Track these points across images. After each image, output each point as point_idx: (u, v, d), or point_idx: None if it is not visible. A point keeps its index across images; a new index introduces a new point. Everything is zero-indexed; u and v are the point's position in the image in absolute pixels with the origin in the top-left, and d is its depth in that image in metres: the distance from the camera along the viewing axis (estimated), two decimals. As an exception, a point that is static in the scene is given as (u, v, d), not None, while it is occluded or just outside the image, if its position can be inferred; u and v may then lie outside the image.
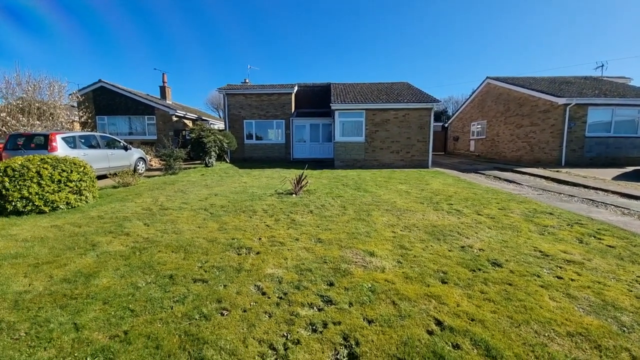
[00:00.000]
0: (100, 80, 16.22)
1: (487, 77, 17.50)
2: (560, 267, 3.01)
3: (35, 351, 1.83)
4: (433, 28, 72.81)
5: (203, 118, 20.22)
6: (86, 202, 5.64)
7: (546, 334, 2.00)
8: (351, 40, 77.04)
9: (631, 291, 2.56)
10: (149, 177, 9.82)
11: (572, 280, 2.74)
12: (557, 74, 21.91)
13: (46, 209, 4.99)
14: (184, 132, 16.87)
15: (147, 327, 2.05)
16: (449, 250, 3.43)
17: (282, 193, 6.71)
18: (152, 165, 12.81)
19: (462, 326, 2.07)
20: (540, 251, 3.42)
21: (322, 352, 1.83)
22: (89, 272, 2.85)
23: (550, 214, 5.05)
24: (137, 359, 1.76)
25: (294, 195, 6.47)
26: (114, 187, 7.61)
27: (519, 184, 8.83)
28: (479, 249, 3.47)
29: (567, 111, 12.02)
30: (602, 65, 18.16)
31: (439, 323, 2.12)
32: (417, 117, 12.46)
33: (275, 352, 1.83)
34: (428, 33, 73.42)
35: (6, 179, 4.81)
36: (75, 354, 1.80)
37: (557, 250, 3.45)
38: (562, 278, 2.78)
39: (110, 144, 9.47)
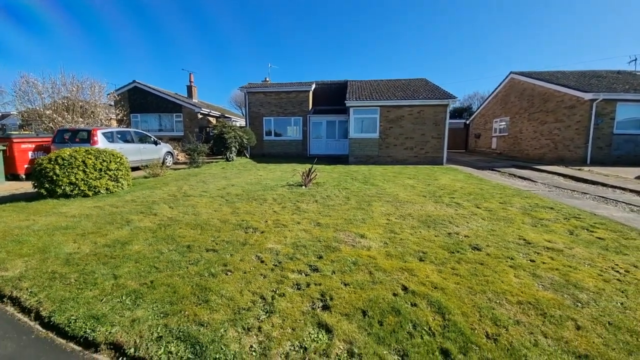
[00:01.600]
0: (134, 81, 17.62)
1: (511, 72, 16.91)
2: (538, 253, 3.21)
3: (82, 291, 2.42)
4: (457, 23, 70.16)
5: (226, 115, 21.24)
6: (122, 188, 6.45)
7: (497, 301, 2.30)
8: (372, 38, 76.15)
9: (601, 276, 2.74)
10: (175, 169, 10.72)
11: (543, 263, 2.96)
12: (590, 67, 20.64)
13: (90, 193, 5.82)
14: (207, 128, 17.89)
15: (168, 279, 2.58)
16: (435, 236, 3.72)
17: (293, 185, 7.19)
18: (178, 159, 13.83)
19: (424, 291, 2.41)
20: (524, 239, 3.61)
21: (302, 303, 2.26)
22: (125, 240, 3.48)
23: (551, 208, 5.11)
24: (160, 298, 2.28)
25: (303, 187, 6.92)
26: (145, 177, 8.49)
27: (534, 181, 8.69)
28: (465, 236, 3.73)
29: (593, 107, 11.48)
30: (636, 59, 16.86)
31: (405, 288, 2.47)
32: (432, 113, 12.45)
33: (264, 301, 2.29)
34: (452, 28, 70.84)
35: (57, 167, 5.67)
36: (114, 294, 2.37)
37: (541, 239, 3.62)
38: (534, 261, 3.00)
39: (143, 139, 10.45)
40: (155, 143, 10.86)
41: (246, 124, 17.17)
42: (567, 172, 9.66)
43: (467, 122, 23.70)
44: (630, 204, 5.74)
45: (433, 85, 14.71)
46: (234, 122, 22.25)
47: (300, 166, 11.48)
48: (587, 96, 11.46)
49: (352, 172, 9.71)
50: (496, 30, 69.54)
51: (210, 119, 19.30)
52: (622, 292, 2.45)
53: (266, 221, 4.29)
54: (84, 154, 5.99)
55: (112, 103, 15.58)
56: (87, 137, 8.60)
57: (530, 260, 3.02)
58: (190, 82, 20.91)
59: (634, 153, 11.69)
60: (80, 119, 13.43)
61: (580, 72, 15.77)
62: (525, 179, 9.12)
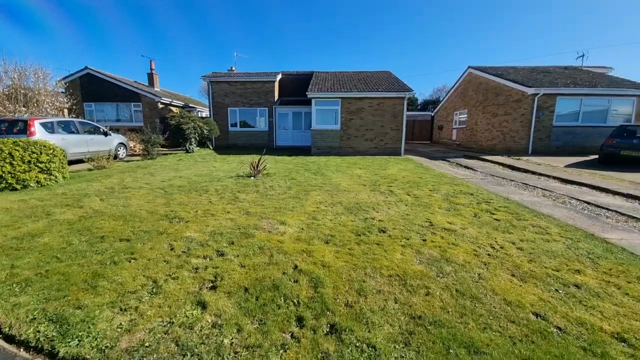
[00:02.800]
0: (86, 67, 16.52)
1: (469, 67, 17.69)
2: (433, 233, 3.58)
3: (-25, 282, 2.42)
4: (431, 20, 71.51)
5: (190, 105, 20.56)
6: (56, 181, 6.20)
7: (372, 275, 2.58)
8: (347, 31, 75.86)
9: (475, 251, 3.13)
10: (128, 161, 10.36)
11: (432, 242, 3.31)
12: (549, 62, 21.94)
13: (18, 187, 5.56)
14: (167, 119, 17.27)
15: (65, 268, 2.63)
16: (352, 221, 4.00)
17: (242, 176, 7.25)
18: (135, 151, 13.33)
19: (311, 270, 2.65)
20: (430, 222, 3.98)
21: (191, 284, 2.42)
22: (36, 233, 3.44)
23: (471, 194, 5.59)
24: (49, 285, 2.35)
25: (252, 177, 7.01)
26: (89, 170, 8.17)
27: (475, 170, 9.34)
28: (379, 220, 4.04)
29: (535, 101, 12.38)
30: (583, 55, 18.27)
31: (295, 267, 2.70)
32: (391, 105, 12.85)
33: (154, 284, 2.42)
34: (424, 25, 72.15)
35: (-19, 159, 5.35)
36: (6, 282, 2.40)
37: (445, 221, 4.01)
38: (425, 240, 3.35)
39: (90, 130, 9.95)
40: (105, 134, 10.39)
41: (210, 114, 16.76)
42: (506, 161, 10.45)
43: (433, 114, 24.59)
44: (545, 189, 6.40)
45: (394, 78, 15.11)
46: (198, 113, 21.63)
47: (262, 157, 11.49)
48: (530, 91, 12.33)
49: (308, 163, 9.90)
50: (468, 25, 71.71)
51: (173, 109, 18.59)
52: (485, 264, 2.83)
53: (196, 211, 4.37)
54: (11, 145, 5.68)
55: (63, 91, 14.57)
56: (24, 128, 8.07)
57: (423, 240, 3.37)
58: (151, 69, 19.91)
59: (572, 144, 12.81)
60: (24, 108, 12.48)
61: (531, 67, 16.82)
62: (468, 168, 9.77)
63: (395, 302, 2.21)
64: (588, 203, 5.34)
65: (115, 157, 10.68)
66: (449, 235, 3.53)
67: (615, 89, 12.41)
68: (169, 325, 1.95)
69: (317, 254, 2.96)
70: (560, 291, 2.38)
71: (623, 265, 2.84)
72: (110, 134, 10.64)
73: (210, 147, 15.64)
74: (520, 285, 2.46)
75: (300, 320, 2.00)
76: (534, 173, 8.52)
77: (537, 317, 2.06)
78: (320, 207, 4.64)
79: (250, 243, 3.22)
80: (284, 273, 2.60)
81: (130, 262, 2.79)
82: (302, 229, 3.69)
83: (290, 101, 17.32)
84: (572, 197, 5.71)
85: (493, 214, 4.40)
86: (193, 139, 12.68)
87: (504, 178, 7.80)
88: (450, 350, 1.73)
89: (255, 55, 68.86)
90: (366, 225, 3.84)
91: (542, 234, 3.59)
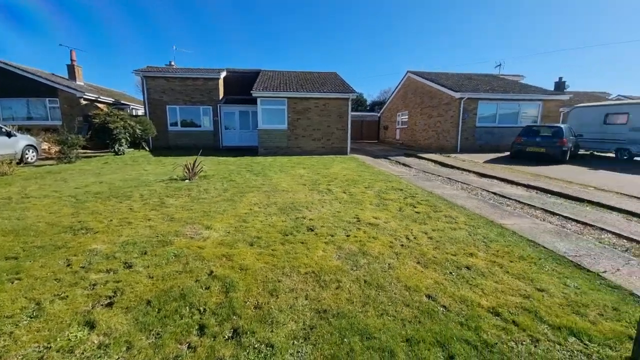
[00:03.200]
0: (-18, 55, 13.82)
1: (408, 71, 19.05)
2: (358, 229, 3.76)
3: None
4: (387, 24, 75.47)
5: (123, 102, 18.57)
6: None
7: (288, 274, 2.61)
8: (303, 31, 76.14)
9: (391, 243, 3.36)
10: (38, 166, 8.94)
11: (355, 237, 3.48)
12: (476, 69, 24.56)
13: None
14: (91, 117, 15.39)
15: None
16: (283, 221, 4.00)
17: (176, 179, 6.78)
18: (51, 154, 11.57)
19: (227, 274, 2.58)
20: (357, 218, 4.18)
21: (83, 303, 2.17)
22: None
23: (401, 190, 6.03)
24: None
25: (186, 181, 6.60)
26: (-17, 177, 6.86)
27: (410, 167, 10.11)
28: (310, 219, 4.11)
29: (461, 104, 13.85)
30: (500, 65, 21.06)
31: (210, 273, 2.60)
32: (336, 106, 13.21)
33: (37, 306, 2.12)
34: (371, 30, 75.97)
35: None
36: None
37: (371, 217, 4.25)
38: (349, 236, 3.51)
39: (-14, 130, 8.37)
40: (9, 135, 8.82)
41: (146, 112, 15.34)
42: (438, 159, 11.51)
43: (379, 115, 25.95)
44: (464, 183, 7.18)
45: (340, 79, 15.57)
46: (133, 111, 19.72)
47: (203, 159, 10.88)
48: (457, 95, 13.75)
49: (253, 164, 9.67)
50: (411, 31, 77.25)
51: (101, 105, 16.59)
52: (397, 255, 3.06)
53: (111, 220, 3.95)
54: None
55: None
56: None
57: (346, 236, 3.52)
58: (72, 60, 17.46)
59: (491, 142, 14.60)
60: None
61: (459, 74, 18.76)
62: (405, 165, 10.53)
63: (306, 299, 2.26)
64: (495, 194, 6.14)
65: (22, 161, 9.15)
66: (372, 229, 3.75)
67: (523, 95, 14.50)
68: (45, 350, 1.72)
69: (238, 258, 2.90)
70: (453, 273, 2.69)
71: (509, 247, 3.31)
72: (15, 135, 9.07)
73: (147, 148, 14.32)
74: (422, 271, 2.71)
75: (202, 329, 1.92)
76: (458, 169, 9.52)
77: (428, 299, 2.29)
78: (253, 209, 4.56)
79: (165, 252, 3.01)
80: (196, 280, 2.49)
81: (12, 283, 2.40)
82: (229, 232, 3.58)
83: (236, 100, 16.70)
84: (483, 189, 6.51)
85: (415, 207, 4.79)
86: (123, 140, 11.45)
87: (433, 174, 8.58)
88: (345, 340, 1.83)
89: (198, 51, 64.79)
90: (296, 224, 3.88)
91: (451, 224, 4.02)
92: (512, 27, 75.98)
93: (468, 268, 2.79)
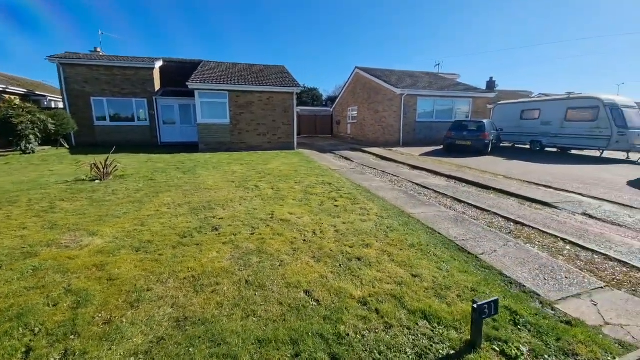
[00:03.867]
0: None
1: (356, 67, 19.45)
2: (267, 226, 3.66)
3: None
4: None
5: (38, 93, 16.18)
6: None
7: (164, 281, 2.40)
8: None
9: (295, 238, 3.31)
10: None
11: (259, 234, 3.37)
12: (421, 67, 25.89)
13: None
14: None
15: None
16: (187, 222, 3.74)
17: (85, 180, 6.03)
18: None
19: (87, 287, 2.28)
20: (272, 215, 4.08)
21: None
22: None
23: (330, 184, 6.08)
24: None
25: (97, 181, 5.90)
26: None
27: (352, 161, 10.33)
28: (220, 218, 3.90)
29: (402, 100, 14.53)
30: (439, 64, 22.62)
31: (67, 287, 2.28)
32: (281, 100, 12.95)
33: None
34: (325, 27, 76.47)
35: None
36: None
37: (286, 213, 4.18)
38: (253, 234, 3.39)
39: None
40: None
41: (65, 105, 13.50)
42: (380, 152, 11.96)
43: (332, 110, 26.23)
44: (395, 175, 7.51)
45: (286, 73, 15.30)
46: (52, 103, 17.36)
47: (131, 157, 9.91)
48: (398, 91, 14.39)
49: (187, 161, 9.05)
50: (362, 29, 79.27)
51: (11, 97, 14.22)
52: (295, 251, 3.01)
53: (-29, 231, 3.32)
54: None
55: None
56: None
57: (251, 234, 3.40)
58: (-33, 42, 14.65)
59: (430, 136, 15.60)
60: None
61: (403, 71, 19.66)
62: (347, 159, 10.74)
63: (172, 307, 2.08)
64: (418, 184, 6.50)
65: None
66: (281, 225, 3.67)
67: (457, 92, 15.70)
68: None
69: (112, 267, 2.60)
70: (342, 266, 2.72)
71: (406, 235, 3.47)
72: None
73: (66, 145, 12.63)
74: (312, 266, 2.70)
75: (28, 352, 1.65)
76: (395, 162, 9.98)
77: (305, 294, 2.26)
78: (161, 210, 4.20)
79: (24, 265, 2.59)
80: (46, 297, 2.16)
81: None
82: (117, 238, 3.22)
83: (176, 92, 15.51)
84: (410, 181, 6.87)
85: (336, 201, 4.84)
86: (32, 137, 9.92)
87: (370, 167, 8.86)
88: (190, 349, 1.70)
89: (131, 37, 58.87)
90: (201, 225, 3.65)
91: (363, 216, 4.12)
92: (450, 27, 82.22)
93: (359, 259, 2.85)
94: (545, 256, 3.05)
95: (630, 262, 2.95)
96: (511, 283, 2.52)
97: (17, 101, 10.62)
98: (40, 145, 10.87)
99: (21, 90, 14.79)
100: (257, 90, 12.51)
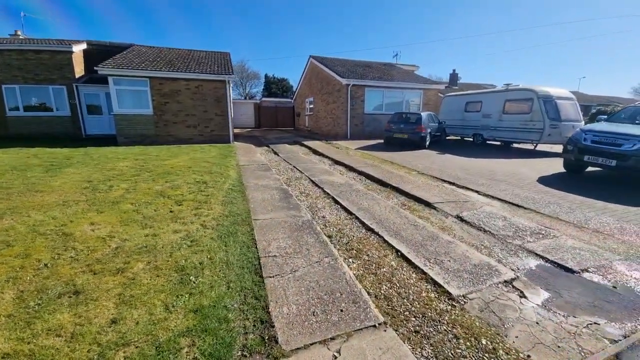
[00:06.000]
0: None
1: (310, 56, 18.54)
2: (32, 240, 2.86)
3: None
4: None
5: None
6: None
7: None
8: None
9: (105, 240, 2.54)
10: None
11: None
12: (381, 57, 25.33)
13: None
14: None
15: None
16: None
17: None
18: None
19: None
20: (60, 228, 3.27)
21: None
22: None
23: (205, 182, 5.32)
24: None
25: None
26: None
27: (278, 155, 9.60)
28: (-16, 233, 3.05)
29: (349, 90, 13.86)
30: (397, 54, 22.12)
31: None
32: (212, 89, 11.93)
33: None
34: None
35: None
36: None
37: (86, 223, 3.38)
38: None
39: None
40: None
41: (-34, 92, 11.89)
42: (315, 145, 11.27)
43: (292, 101, 25.27)
44: (304, 171, 6.82)
45: (227, 60, 14.21)
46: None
47: (61, 152, 8.69)
48: (344, 81, 13.69)
49: (75, 156, 7.96)
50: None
51: None
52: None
53: None
54: None
55: None
56: None
57: (-17, 257, 2.59)
58: None
59: (378, 129, 15.01)
60: None
61: (358, 61, 18.96)
62: (276, 154, 9.98)
63: None
64: (314, 183, 5.86)
65: None
66: (52, 242, 2.88)
67: (406, 83, 15.22)
68: None
69: None
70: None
71: (202, 252, 2.78)
72: None
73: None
74: (-10, 309, 1.94)
75: None
76: (323, 155, 9.34)
77: None
78: None
79: None
80: None
81: None
82: None
83: (102, 79, 14.07)
84: (313, 178, 6.17)
85: (181, 205, 4.09)
86: None
87: (289, 163, 8.16)
88: None
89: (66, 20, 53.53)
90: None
91: (188, 225, 3.40)
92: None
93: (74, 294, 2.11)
94: (349, 278, 2.45)
95: (444, 286, 2.40)
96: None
97: None
98: None
99: None
100: (183, 77, 11.42)
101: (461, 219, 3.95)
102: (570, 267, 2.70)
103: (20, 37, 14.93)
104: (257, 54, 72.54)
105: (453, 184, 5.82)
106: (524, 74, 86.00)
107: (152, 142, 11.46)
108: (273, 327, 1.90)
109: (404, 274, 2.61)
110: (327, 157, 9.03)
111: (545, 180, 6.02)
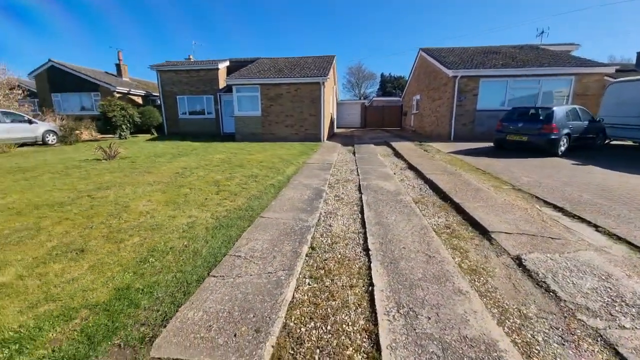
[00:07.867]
0: (49, 60, 17.81)
1: (420, 49, 16.84)
2: (119, 217, 3.93)
3: None
4: None
5: (154, 94, 21.48)
6: None
7: None
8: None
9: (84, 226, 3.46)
10: (52, 145, 11.42)
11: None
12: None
13: None
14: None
15: None
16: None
17: (101, 160, 7.85)
18: (80, 138, 14.39)
19: None
20: (126, 204, 4.32)
21: None
22: None
23: (259, 176, 5.78)
24: None
25: (104, 160, 7.61)
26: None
27: (354, 155, 9.29)
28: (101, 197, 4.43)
29: (456, 84, 11.76)
30: (543, 32, 16.79)
31: None
32: (308, 91, 12.79)
33: None
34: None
35: None
36: None
37: (141, 204, 4.32)
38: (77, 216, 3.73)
39: (14, 119, 11.06)
40: (30, 122, 11.44)
41: (161, 103, 17.56)
42: (401, 147, 10.20)
43: (401, 100, 23.78)
44: (361, 174, 6.38)
45: (326, 63, 14.80)
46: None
47: (168, 144, 12.07)
48: (450, 73, 11.70)
49: (197, 148, 10.29)
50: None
51: (134, 97, 19.60)
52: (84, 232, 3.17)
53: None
54: None
55: (18, 84, 15.99)
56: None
57: (85, 210, 3.75)
58: (119, 59, 20.95)
59: (498, 129, 12.07)
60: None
61: (482, 47, 15.69)
62: (354, 153, 9.69)
63: None
64: (358, 187, 5.34)
65: (44, 143, 11.78)
66: (122, 212, 3.87)
67: (544, 69, 11.45)
68: None
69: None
70: (56, 255, 2.70)
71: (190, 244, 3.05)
72: (35, 122, 11.68)
73: (154, 134, 16.46)
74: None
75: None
76: (401, 158, 8.40)
77: None
78: (80, 188, 5.11)
79: None
80: None
81: None
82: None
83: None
84: (355, 183, 5.69)
85: (223, 192, 4.63)
86: (124, 126, 13.51)
87: (356, 163, 7.78)
88: None
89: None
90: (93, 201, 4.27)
91: (218, 206, 3.83)
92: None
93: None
94: (281, 302, 2.11)
95: None
96: None
97: (117, 99, 14.52)
98: (133, 133, 14.65)
99: (141, 92, 20.06)
100: (284, 82, 12.79)
101: (520, 264, 2.66)
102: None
103: (192, 60, 20.69)
104: (373, 53, 72.38)
105: (561, 209, 4.00)
106: None
107: (258, 139, 13.48)
108: (165, 327, 1.87)
109: (348, 321, 1.99)
110: (404, 160, 8.03)
111: None
